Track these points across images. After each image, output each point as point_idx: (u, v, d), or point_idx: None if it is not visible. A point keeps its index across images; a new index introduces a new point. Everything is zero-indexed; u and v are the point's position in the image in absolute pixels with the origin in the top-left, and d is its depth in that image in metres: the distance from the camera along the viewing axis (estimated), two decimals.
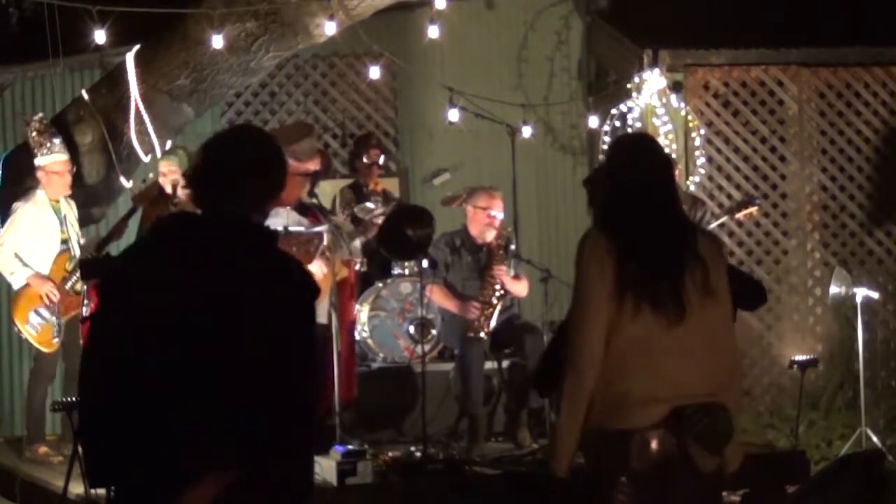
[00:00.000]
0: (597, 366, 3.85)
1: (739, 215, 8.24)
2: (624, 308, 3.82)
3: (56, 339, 7.59)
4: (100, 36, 7.80)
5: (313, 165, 7.61)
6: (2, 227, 7.74)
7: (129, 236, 7.79)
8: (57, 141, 7.78)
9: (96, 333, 3.47)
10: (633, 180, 4.00)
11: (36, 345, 7.63)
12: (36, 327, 7.56)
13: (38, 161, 7.69)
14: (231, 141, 3.54)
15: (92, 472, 3.46)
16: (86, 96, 8.34)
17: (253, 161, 3.48)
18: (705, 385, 3.88)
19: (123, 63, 8.28)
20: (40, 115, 8.07)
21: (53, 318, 7.56)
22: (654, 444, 3.84)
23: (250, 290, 3.33)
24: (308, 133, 7.96)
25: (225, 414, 3.27)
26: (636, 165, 4.03)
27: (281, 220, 7.15)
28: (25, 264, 7.55)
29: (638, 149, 4.14)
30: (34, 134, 7.75)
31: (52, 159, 7.70)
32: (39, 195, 7.66)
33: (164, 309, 3.30)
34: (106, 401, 3.32)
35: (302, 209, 7.52)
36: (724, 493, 4.10)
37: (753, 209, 8.31)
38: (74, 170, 7.86)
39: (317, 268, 7.24)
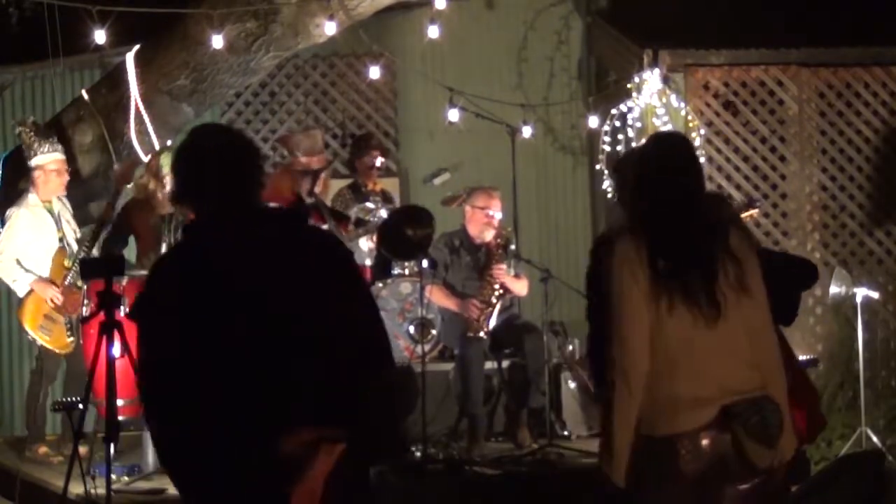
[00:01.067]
0: (644, 370, 3.85)
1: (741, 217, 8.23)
2: (660, 308, 3.83)
3: (71, 339, 7.58)
4: (100, 36, 7.80)
5: (311, 163, 7.60)
6: (1, 225, 7.74)
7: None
8: (53, 139, 7.78)
9: (148, 358, 3.42)
10: (661, 179, 4.01)
11: (51, 348, 7.59)
12: (49, 331, 7.55)
13: (35, 161, 7.67)
14: (201, 146, 3.56)
15: (185, 486, 3.41)
16: (86, 96, 8.34)
17: (229, 153, 3.51)
18: (751, 380, 3.88)
19: (123, 63, 8.28)
20: (31, 117, 8.07)
21: (63, 318, 7.56)
22: (706, 446, 3.84)
23: (297, 265, 3.40)
24: (308, 129, 7.99)
25: (314, 391, 3.31)
26: (665, 163, 4.04)
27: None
28: (27, 270, 7.54)
29: (668, 147, 4.15)
30: (30, 134, 7.73)
31: (50, 157, 7.69)
32: (31, 198, 7.64)
33: (220, 307, 3.33)
34: (183, 415, 3.32)
35: (305, 210, 7.53)
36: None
37: (754, 211, 8.29)
38: (70, 171, 7.85)
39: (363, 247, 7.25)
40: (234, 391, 3.31)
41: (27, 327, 7.56)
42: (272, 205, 3.63)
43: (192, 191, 3.53)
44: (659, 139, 4.58)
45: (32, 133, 7.74)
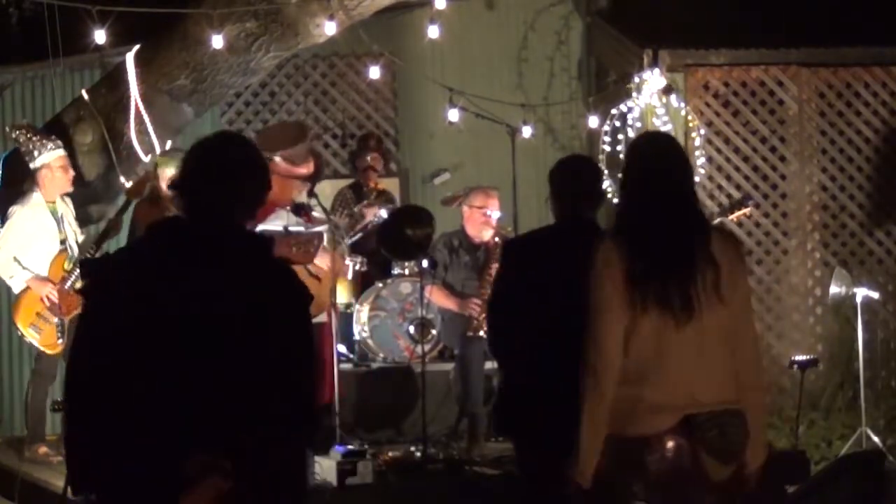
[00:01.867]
0: (615, 371, 3.83)
1: (734, 216, 8.20)
2: (635, 309, 3.81)
3: (60, 340, 7.59)
4: (100, 36, 7.80)
5: (306, 169, 7.60)
6: (2, 223, 7.74)
7: (125, 232, 7.81)
8: (53, 137, 7.78)
9: (84, 336, 3.48)
10: (644, 179, 4.00)
11: (41, 347, 7.61)
12: (39, 330, 7.56)
13: (39, 161, 7.65)
14: (215, 148, 3.55)
15: (76, 478, 3.46)
16: (86, 96, 8.34)
17: (237, 166, 3.50)
18: (718, 392, 3.85)
19: (123, 63, 8.28)
20: (25, 119, 8.07)
21: (56, 319, 7.56)
22: (665, 452, 3.83)
23: (246, 295, 3.36)
24: (303, 136, 7.95)
25: (223, 418, 3.29)
26: (649, 164, 4.02)
27: (281, 220, 7.16)
28: (24, 267, 7.54)
29: (652, 148, 4.13)
30: (28, 136, 7.72)
31: (55, 154, 7.68)
32: (35, 197, 7.64)
33: (159, 313, 3.32)
34: (95, 405, 3.37)
35: (296, 210, 7.53)
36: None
37: (747, 209, 8.27)
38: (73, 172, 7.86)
39: (322, 264, 7.24)
40: (142, 399, 3.31)
41: (19, 324, 7.57)
42: (252, 227, 3.61)
43: (184, 187, 3.52)
44: (643, 140, 4.54)
45: (31, 135, 7.73)
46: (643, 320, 3.82)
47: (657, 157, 4.05)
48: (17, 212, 7.63)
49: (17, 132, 7.81)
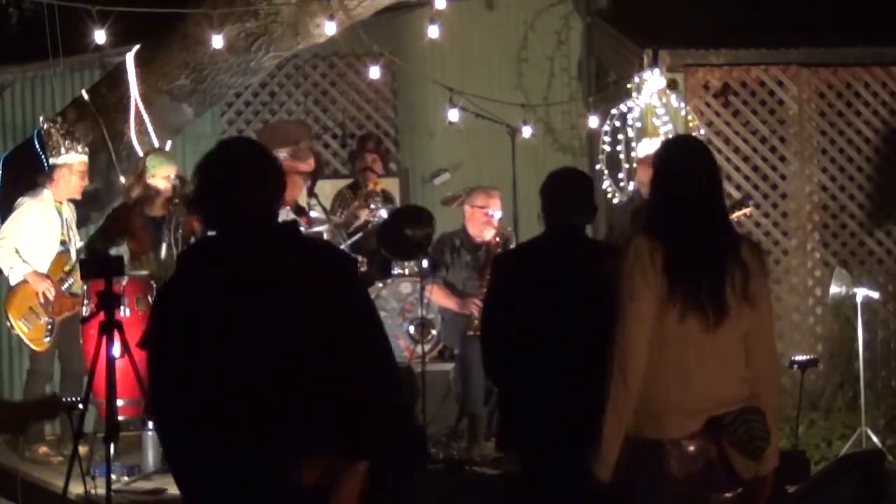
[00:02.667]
0: (642, 369, 3.85)
1: (734, 216, 8.19)
2: (667, 310, 3.84)
3: (47, 339, 7.59)
4: (100, 36, 7.81)
5: (307, 166, 7.62)
6: (2, 222, 7.75)
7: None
8: (81, 142, 7.79)
9: (168, 362, 3.43)
10: (680, 184, 4.01)
11: (27, 341, 7.63)
12: (29, 324, 7.57)
13: (62, 159, 7.62)
14: (232, 156, 3.55)
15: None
16: (86, 96, 8.34)
17: (261, 171, 3.50)
18: (741, 393, 3.89)
19: (123, 63, 8.28)
20: (59, 116, 8.07)
21: (46, 318, 7.56)
22: (692, 452, 3.86)
23: (308, 283, 3.39)
24: (307, 133, 7.97)
25: (317, 405, 3.33)
26: (684, 169, 4.03)
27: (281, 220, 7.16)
28: (24, 261, 7.55)
29: (686, 152, 4.14)
30: (61, 132, 7.72)
31: (78, 159, 7.67)
32: (46, 194, 7.65)
33: (241, 327, 3.34)
34: (192, 414, 3.35)
35: (297, 211, 7.54)
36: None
37: (747, 210, 8.27)
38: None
39: None
40: (247, 410, 3.32)
41: (10, 315, 7.57)
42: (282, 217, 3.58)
43: (205, 200, 3.52)
44: (673, 142, 4.60)
45: (64, 131, 7.74)
46: (671, 320, 3.85)
47: (685, 159, 4.07)
48: (25, 203, 7.62)
49: (50, 124, 7.79)
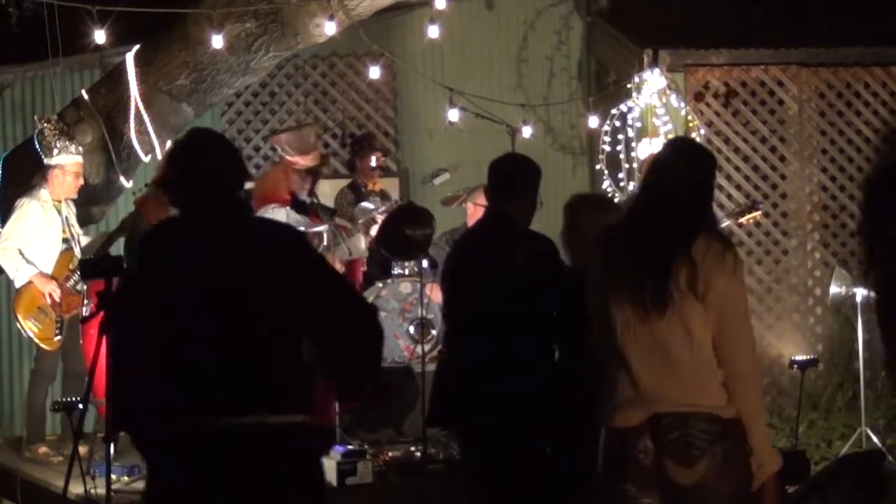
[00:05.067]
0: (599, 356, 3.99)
1: (743, 220, 8.19)
2: (610, 298, 3.92)
3: (58, 337, 7.61)
4: (100, 36, 7.81)
5: (305, 161, 7.59)
6: (2, 224, 7.75)
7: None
8: (75, 142, 7.80)
9: (122, 328, 3.97)
10: (646, 179, 4.12)
11: (37, 341, 7.64)
12: (38, 324, 7.58)
13: (56, 160, 7.67)
14: (188, 145, 4.02)
15: (116, 416, 4.07)
16: (86, 96, 8.34)
17: (222, 161, 3.93)
18: (686, 395, 3.84)
19: (123, 63, 8.28)
20: (54, 115, 8.08)
21: (55, 316, 7.58)
22: (635, 447, 3.87)
23: (258, 260, 3.78)
24: (299, 127, 7.96)
25: (274, 371, 3.71)
26: (654, 164, 4.14)
27: (279, 218, 7.16)
28: (29, 262, 7.56)
29: (670, 150, 4.23)
30: (54, 132, 7.74)
31: (72, 160, 7.71)
32: (43, 194, 7.67)
33: (191, 294, 3.73)
34: (138, 371, 3.83)
35: (302, 208, 7.53)
36: None
37: (757, 214, 8.26)
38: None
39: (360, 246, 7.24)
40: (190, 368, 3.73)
41: (19, 315, 7.59)
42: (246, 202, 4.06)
43: (173, 183, 3.97)
44: (669, 140, 4.65)
45: (57, 131, 7.75)
46: (617, 312, 3.88)
47: (661, 158, 4.16)
48: (25, 204, 7.64)
49: (45, 124, 7.82)
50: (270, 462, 3.71)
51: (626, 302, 3.87)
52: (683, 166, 4.06)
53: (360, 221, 8.06)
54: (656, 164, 4.14)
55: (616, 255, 3.96)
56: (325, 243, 7.12)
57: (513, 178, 5.33)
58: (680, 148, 4.27)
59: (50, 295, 7.54)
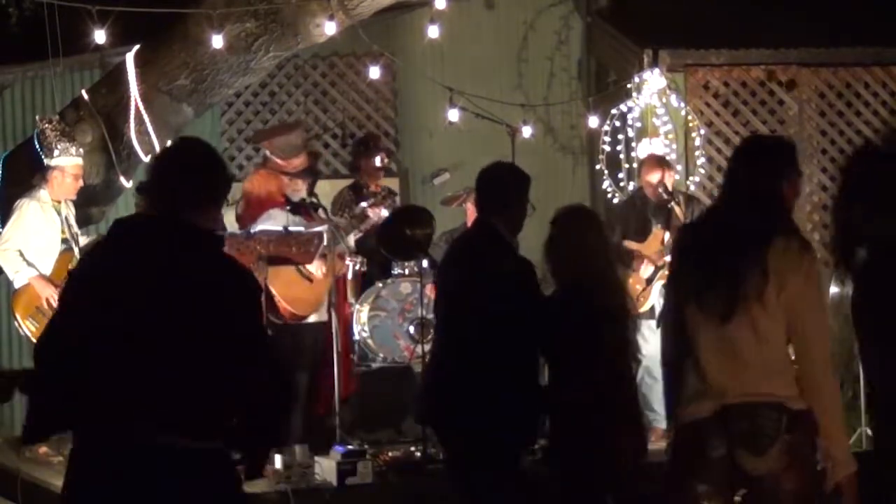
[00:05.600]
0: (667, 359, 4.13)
1: None
2: (679, 297, 4.03)
3: None
4: (100, 36, 7.80)
5: (293, 164, 7.58)
6: (1, 225, 7.75)
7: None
8: (76, 143, 7.80)
9: (55, 322, 3.87)
10: (725, 180, 4.16)
11: (34, 340, 7.63)
12: (35, 324, 7.58)
13: (55, 161, 7.67)
14: (168, 153, 4.03)
15: (29, 426, 4.12)
16: (86, 96, 8.34)
17: (185, 167, 3.81)
18: (754, 385, 3.89)
19: (123, 63, 8.27)
20: (56, 116, 8.08)
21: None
22: (705, 439, 3.91)
23: (190, 285, 3.67)
24: (288, 130, 7.94)
25: (171, 393, 3.60)
26: (729, 166, 4.18)
27: (280, 220, 7.16)
28: (30, 264, 7.56)
29: (741, 152, 4.22)
30: (56, 132, 7.73)
31: (72, 162, 7.71)
32: (43, 194, 7.66)
33: (117, 304, 3.65)
34: (58, 373, 3.77)
35: (295, 209, 7.53)
36: None
37: None
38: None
39: (315, 268, 7.24)
40: (103, 372, 3.66)
41: (17, 314, 7.59)
42: (199, 222, 3.82)
43: (149, 189, 3.97)
44: (741, 142, 4.62)
45: (59, 132, 7.75)
46: (688, 310, 3.97)
47: (736, 159, 4.18)
48: (25, 204, 7.64)
49: (46, 124, 7.81)
50: (184, 486, 3.64)
51: (696, 302, 3.93)
52: (756, 166, 4.07)
53: (353, 216, 8.07)
54: (730, 165, 4.16)
55: (689, 255, 4.03)
56: (325, 243, 7.12)
57: (500, 189, 5.36)
58: (752, 147, 4.25)
59: (48, 299, 7.55)
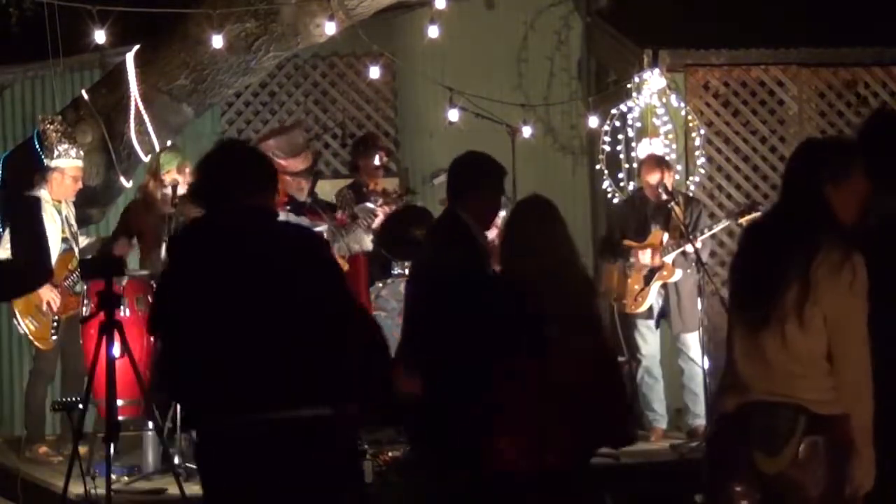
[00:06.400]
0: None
1: (743, 220, 8.19)
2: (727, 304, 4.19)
3: (53, 337, 7.61)
4: (100, 36, 7.81)
5: (296, 164, 7.57)
6: (1, 226, 7.75)
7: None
8: (77, 145, 7.80)
9: (169, 336, 4.10)
10: (789, 186, 4.10)
11: (33, 339, 7.65)
12: (34, 323, 7.59)
13: (56, 162, 7.68)
14: (218, 154, 4.23)
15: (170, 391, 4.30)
16: (86, 96, 8.34)
17: (238, 163, 4.15)
18: (775, 384, 3.89)
19: (123, 63, 8.28)
20: (59, 116, 8.08)
21: (52, 316, 7.58)
22: (722, 432, 4.00)
23: (279, 259, 3.97)
24: (288, 130, 7.94)
25: (286, 363, 3.86)
26: (794, 170, 4.10)
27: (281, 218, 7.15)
28: None
29: (796, 156, 4.15)
30: (58, 133, 7.74)
31: (72, 163, 7.72)
32: (44, 194, 7.67)
33: (214, 295, 3.93)
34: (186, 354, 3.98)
35: (299, 209, 7.52)
36: None
37: (757, 214, 8.26)
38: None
39: (364, 241, 7.24)
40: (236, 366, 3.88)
41: (17, 312, 7.61)
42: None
43: (204, 193, 4.17)
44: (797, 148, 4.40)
45: (61, 133, 7.76)
46: (732, 315, 4.10)
47: (791, 162, 4.14)
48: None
49: (48, 125, 7.81)
50: (303, 455, 3.87)
51: (737, 309, 4.03)
52: (805, 174, 4.02)
53: (360, 217, 8.05)
54: (786, 172, 4.15)
55: (744, 256, 4.10)
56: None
57: (467, 180, 5.35)
58: (802, 153, 4.16)
59: (48, 303, 7.56)
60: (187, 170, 7.55)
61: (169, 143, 8.27)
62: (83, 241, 7.90)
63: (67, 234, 7.73)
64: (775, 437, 3.84)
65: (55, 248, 7.67)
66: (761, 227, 4.18)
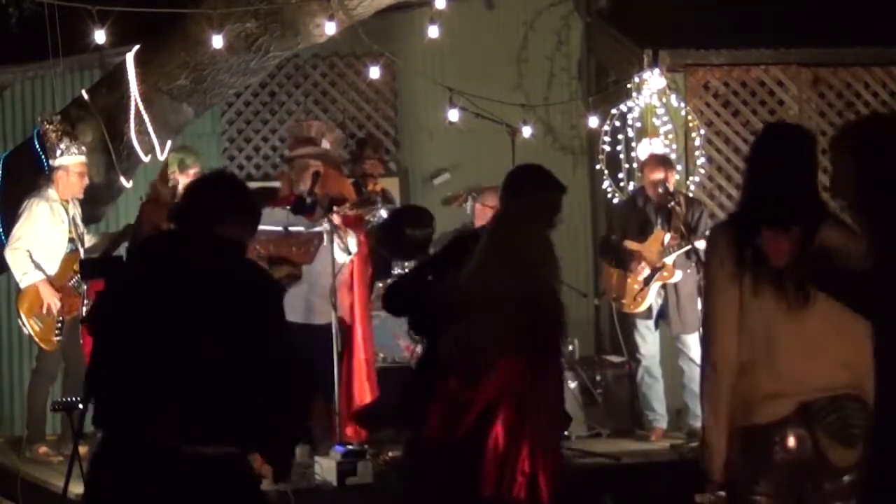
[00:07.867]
0: (731, 361, 3.87)
1: None
2: (744, 292, 3.84)
3: (58, 338, 7.61)
4: (100, 36, 7.81)
5: (298, 149, 7.57)
6: (2, 224, 7.76)
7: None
8: (78, 142, 7.81)
9: (99, 327, 4.01)
10: (763, 172, 4.02)
11: (37, 340, 7.65)
12: (39, 323, 7.59)
13: (60, 161, 7.69)
14: (205, 180, 4.29)
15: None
16: (86, 96, 8.34)
17: (220, 192, 4.10)
18: (833, 377, 3.84)
19: (123, 63, 8.28)
20: (58, 116, 8.08)
21: (57, 317, 7.59)
22: (782, 440, 3.84)
23: (224, 294, 3.86)
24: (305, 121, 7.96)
25: (201, 400, 3.76)
26: (769, 157, 4.04)
27: (280, 220, 7.16)
28: (37, 266, 7.56)
29: (774, 140, 4.13)
30: (58, 133, 7.75)
31: (76, 160, 7.73)
32: (51, 193, 7.68)
33: (147, 314, 3.85)
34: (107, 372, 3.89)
35: (301, 208, 7.51)
36: None
37: None
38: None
39: (353, 244, 7.24)
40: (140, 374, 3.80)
41: (22, 313, 7.61)
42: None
43: (177, 211, 4.16)
44: (767, 131, 4.44)
45: (61, 132, 7.76)
46: (754, 305, 3.84)
47: (776, 150, 4.07)
48: (35, 203, 7.64)
49: (48, 125, 7.82)
50: (203, 491, 3.77)
51: (770, 296, 3.84)
52: (796, 153, 4.05)
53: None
54: (764, 155, 4.09)
55: (739, 248, 3.91)
56: (324, 243, 7.11)
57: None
58: (784, 134, 4.20)
59: (48, 307, 7.56)
60: (191, 171, 7.56)
61: (169, 143, 8.27)
62: (88, 241, 7.90)
63: (74, 235, 7.73)
64: (851, 428, 3.80)
65: (62, 248, 7.67)
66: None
